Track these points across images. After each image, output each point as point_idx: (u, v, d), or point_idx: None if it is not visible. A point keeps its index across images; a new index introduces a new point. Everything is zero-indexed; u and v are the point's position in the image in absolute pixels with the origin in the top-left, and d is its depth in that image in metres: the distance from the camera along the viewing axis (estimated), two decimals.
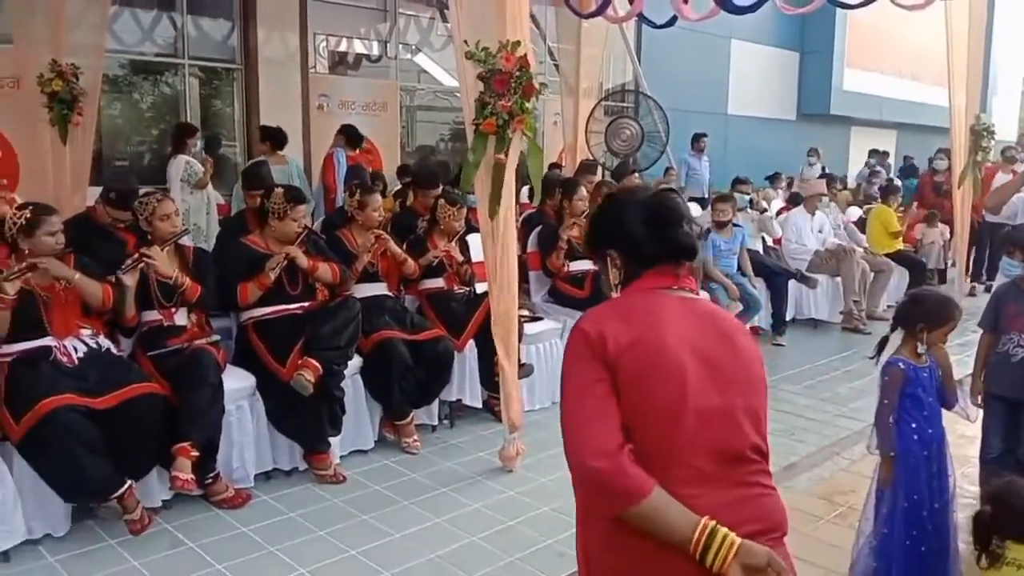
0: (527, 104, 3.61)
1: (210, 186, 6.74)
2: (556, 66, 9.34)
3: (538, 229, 5.50)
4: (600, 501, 1.49)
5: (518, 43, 3.50)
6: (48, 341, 3.35)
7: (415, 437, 4.37)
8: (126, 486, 3.27)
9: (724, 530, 1.42)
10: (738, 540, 1.42)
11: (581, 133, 8.18)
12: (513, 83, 3.48)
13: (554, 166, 8.29)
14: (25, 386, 3.18)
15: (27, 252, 3.34)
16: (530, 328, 4.89)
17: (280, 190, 4.13)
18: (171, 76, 8.01)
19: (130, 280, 3.59)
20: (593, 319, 1.55)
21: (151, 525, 3.37)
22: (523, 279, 5.21)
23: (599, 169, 8.09)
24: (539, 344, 5.00)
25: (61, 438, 3.09)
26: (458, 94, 10.16)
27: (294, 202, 4.06)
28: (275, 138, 6.90)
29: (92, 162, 6.12)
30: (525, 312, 4.94)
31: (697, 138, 10.49)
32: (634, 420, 1.47)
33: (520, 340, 4.40)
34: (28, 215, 3.34)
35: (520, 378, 4.25)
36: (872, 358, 2.94)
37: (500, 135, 3.65)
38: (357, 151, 7.56)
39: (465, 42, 3.59)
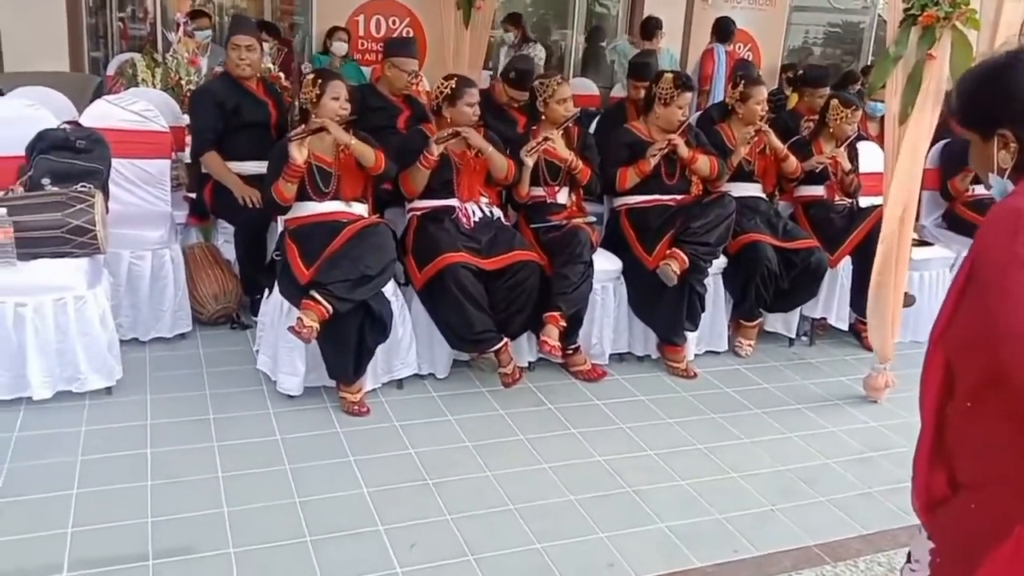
0: None
1: None
2: None
3: (943, 144, 4.83)
4: None
5: None
6: (452, 202, 3.68)
7: (752, 342, 4.24)
8: (503, 342, 3.55)
9: None
10: None
11: (1000, 38, 6.96)
12: None
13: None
14: (430, 240, 3.55)
15: (448, 120, 3.65)
16: (917, 253, 4.37)
17: (670, 75, 4.05)
18: None
19: (530, 160, 3.79)
20: None
21: (518, 382, 3.65)
22: None
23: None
24: (924, 272, 4.48)
25: (454, 290, 3.42)
26: None
27: (682, 88, 3.97)
28: (642, 27, 6.82)
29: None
30: (913, 235, 4.43)
31: None
32: None
33: None
34: (453, 85, 3.63)
35: (903, 307, 3.85)
36: None
37: (929, 30, 3.20)
38: (733, 47, 7.26)
39: None
